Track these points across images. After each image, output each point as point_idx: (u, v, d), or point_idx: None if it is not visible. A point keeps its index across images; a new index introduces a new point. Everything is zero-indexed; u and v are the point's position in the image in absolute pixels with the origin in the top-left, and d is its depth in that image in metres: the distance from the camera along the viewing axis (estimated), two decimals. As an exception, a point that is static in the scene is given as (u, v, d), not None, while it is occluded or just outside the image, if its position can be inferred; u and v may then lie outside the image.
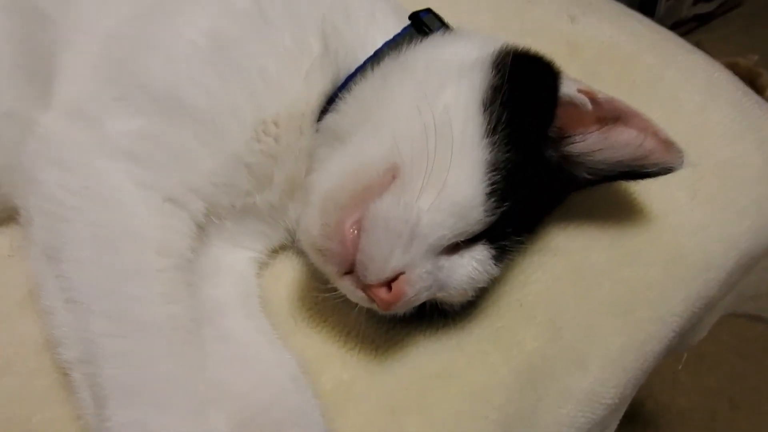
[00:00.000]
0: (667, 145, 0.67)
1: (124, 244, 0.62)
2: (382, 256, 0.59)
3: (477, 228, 0.62)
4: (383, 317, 0.71)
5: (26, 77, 0.70)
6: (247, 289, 0.72)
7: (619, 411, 0.78)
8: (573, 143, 0.69)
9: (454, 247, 0.64)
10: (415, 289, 0.60)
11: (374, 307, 0.63)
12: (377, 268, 0.60)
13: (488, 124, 0.62)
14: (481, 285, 0.67)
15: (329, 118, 0.69)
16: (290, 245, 0.79)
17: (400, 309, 0.62)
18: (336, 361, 0.70)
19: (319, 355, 0.71)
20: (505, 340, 0.72)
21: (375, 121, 0.65)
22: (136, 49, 0.67)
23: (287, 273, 0.77)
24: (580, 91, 0.68)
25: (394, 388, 0.69)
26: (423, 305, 0.68)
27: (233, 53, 0.67)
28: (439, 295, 0.64)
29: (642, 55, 0.89)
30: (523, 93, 0.65)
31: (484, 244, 0.64)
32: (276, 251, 0.78)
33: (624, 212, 0.80)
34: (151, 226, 0.63)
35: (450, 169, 0.60)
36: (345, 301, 0.71)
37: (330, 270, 0.63)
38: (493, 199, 0.61)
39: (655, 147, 0.67)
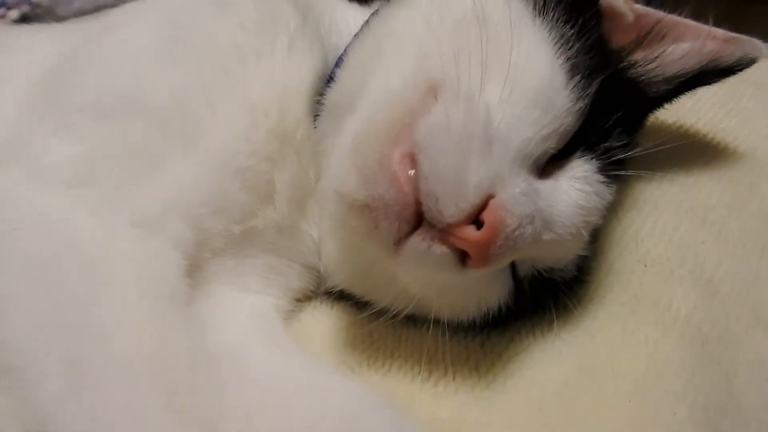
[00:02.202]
0: (732, 40, 0.56)
1: (78, 276, 0.42)
2: (457, 172, 0.41)
3: (568, 122, 0.45)
4: (469, 329, 0.50)
5: None
6: (268, 325, 0.50)
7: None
8: (629, 65, 0.56)
9: (544, 169, 0.46)
10: (515, 217, 0.41)
11: (466, 273, 0.43)
12: (454, 192, 0.41)
13: (534, 4, 0.48)
14: (594, 218, 0.47)
15: (329, 93, 0.54)
16: (316, 292, 0.58)
17: (505, 255, 0.42)
18: (427, 399, 0.47)
19: (401, 399, 0.47)
20: (648, 310, 0.51)
21: (388, 55, 0.50)
22: (70, 76, 0.53)
23: (322, 324, 0.56)
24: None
25: (523, 413, 0.45)
26: (518, 291, 0.48)
27: (190, 37, 0.54)
28: (546, 238, 0.44)
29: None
30: None
31: (581, 156, 0.47)
32: (300, 300, 0.58)
33: (707, 154, 0.64)
34: (118, 255, 0.44)
35: (512, 49, 0.45)
36: (409, 321, 0.50)
37: (387, 233, 0.43)
38: (577, 78, 0.45)
39: (720, 47, 0.56)
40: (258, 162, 0.52)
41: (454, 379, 0.48)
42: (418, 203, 0.42)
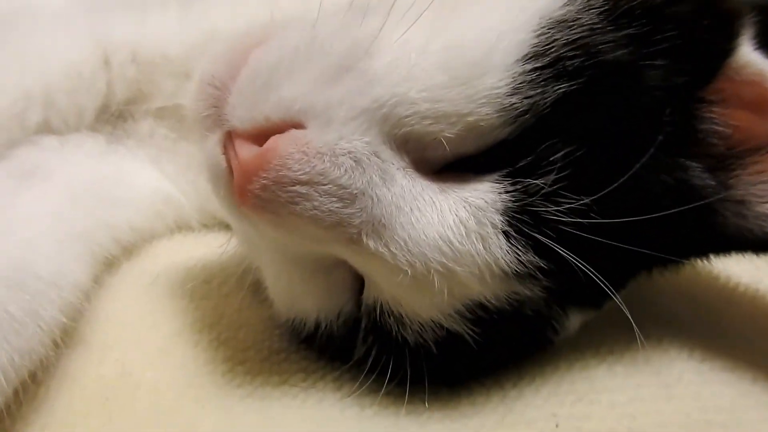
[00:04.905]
0: None
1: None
2: (278, 75, 0.30)
3: (484, 115, 0.29)
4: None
5: None
6: (102, 190, 0.47)
7: None
8: (746, 174, 0.35)
9: (442, 172, 0.31)
10: (309, 167, 0.28)
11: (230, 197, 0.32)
12: (257, 95, 0.30)
13: None
14: (461, 269, 0.30)
15: None
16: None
17: (273, 206, 0.29)
18: (156, 351, 0.37)
19: (141, 328, 0.38)
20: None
21: None
22: None
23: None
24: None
25: None
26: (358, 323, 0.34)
27: None
28: (370, 244, 0.29)
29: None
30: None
31: (498, 181, 0.30)
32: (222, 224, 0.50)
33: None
34: (55, 52, 0.47)
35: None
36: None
37: (198, 112, 0.33)
38: (528, 70, 0.29)
39: None
40: None
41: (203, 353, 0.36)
42: None
